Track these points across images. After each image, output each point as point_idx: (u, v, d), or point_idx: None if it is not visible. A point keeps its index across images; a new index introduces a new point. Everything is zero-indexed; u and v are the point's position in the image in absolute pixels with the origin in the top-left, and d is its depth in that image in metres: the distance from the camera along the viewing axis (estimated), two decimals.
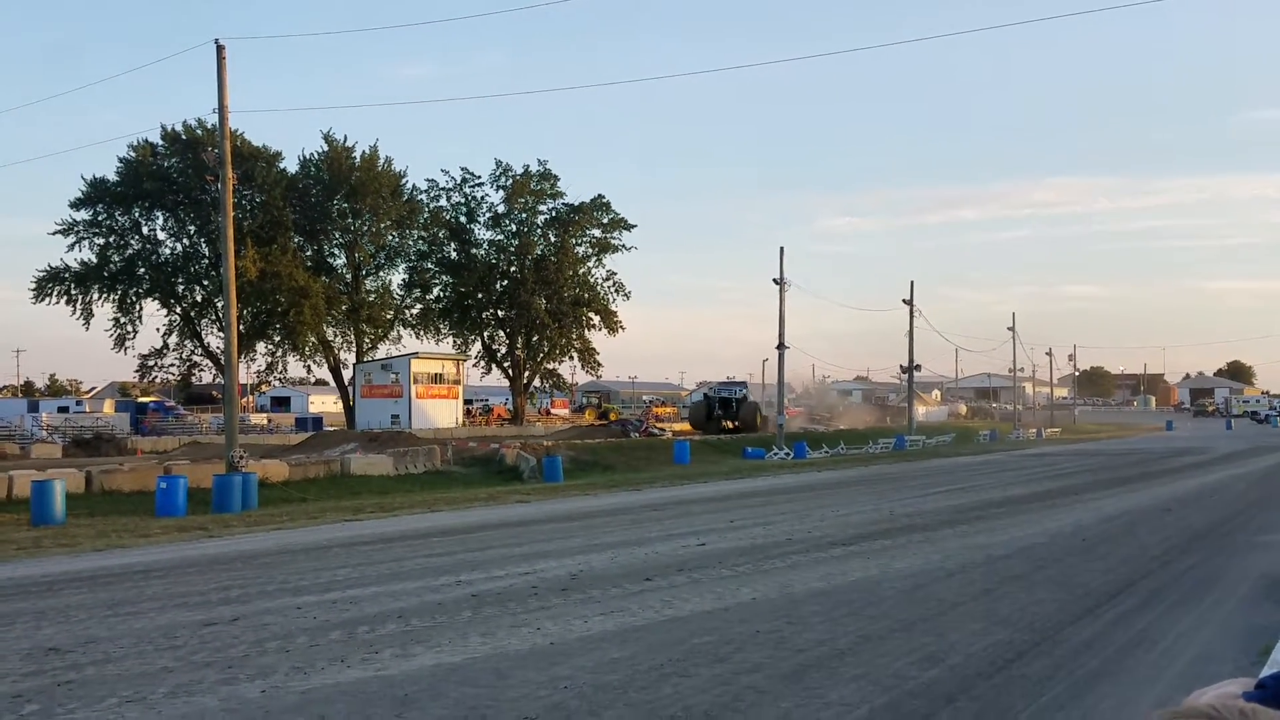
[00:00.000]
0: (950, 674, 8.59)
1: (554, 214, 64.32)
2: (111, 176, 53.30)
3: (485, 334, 65.90)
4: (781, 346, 51.82)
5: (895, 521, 20.09)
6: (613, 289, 65.78)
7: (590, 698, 7.86)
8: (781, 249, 51.42)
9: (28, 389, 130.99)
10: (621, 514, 22.74)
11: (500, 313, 65.04)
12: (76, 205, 53.32)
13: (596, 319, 65.28)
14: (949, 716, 7.57)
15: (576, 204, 63.84)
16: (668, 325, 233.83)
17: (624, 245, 65.43)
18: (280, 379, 64.32)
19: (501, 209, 63.64)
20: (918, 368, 65.98)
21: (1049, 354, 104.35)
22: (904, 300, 64.04)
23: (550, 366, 67.97)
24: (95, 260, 53.55)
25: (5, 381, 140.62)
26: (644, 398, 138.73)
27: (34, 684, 8.23)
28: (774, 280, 50.95)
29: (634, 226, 65.15)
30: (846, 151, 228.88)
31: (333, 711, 7.49)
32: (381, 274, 61.64)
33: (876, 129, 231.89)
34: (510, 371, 65.99)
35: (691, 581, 13.10)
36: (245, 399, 79.59)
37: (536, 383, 69.77)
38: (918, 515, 21.25)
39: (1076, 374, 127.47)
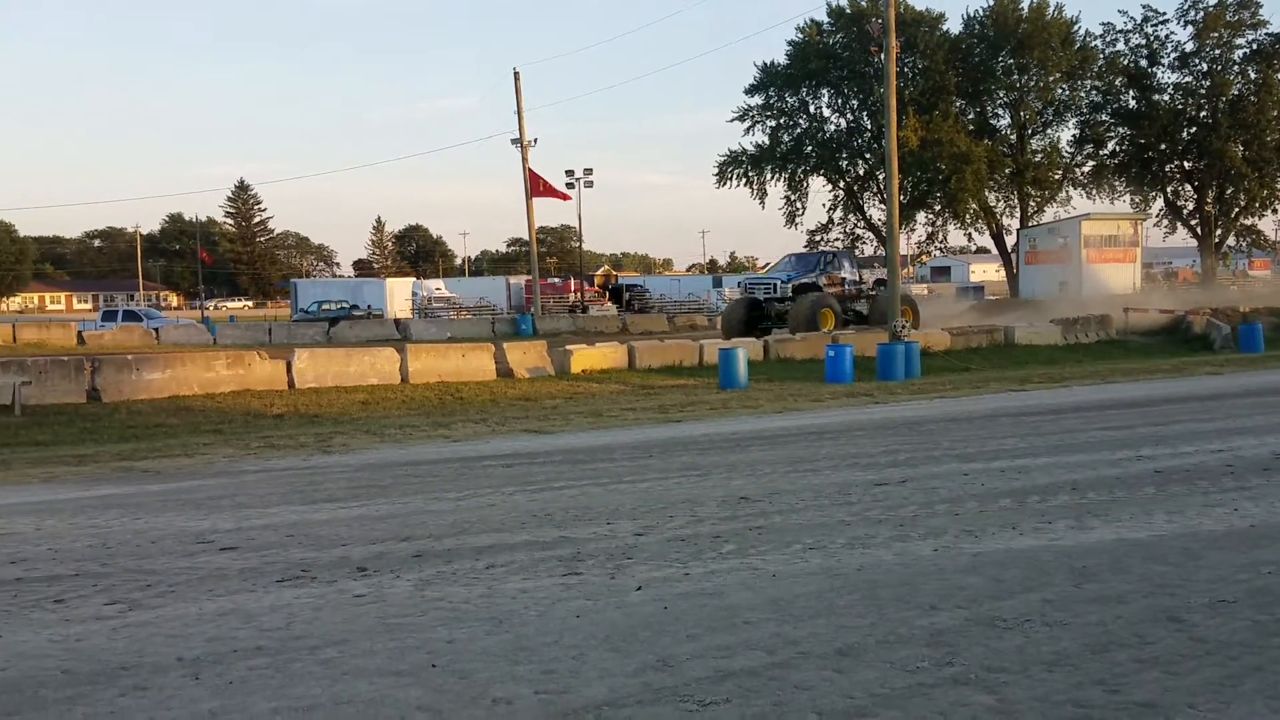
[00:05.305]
0: None
1: (1255, 46, 55.24)
2: (782, 60, 56.61)
3: (1168, 189, 59.41)
4: None
5: None
6: None
7: None
8: None
9: (712, 266, 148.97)
10: None
11: (1186, 164, 58.04)
12: (750, 91, 57.45)
13: None
14: None
15: None
16: None
17: None
18: (940, 248, 64.37)
19: (1190, 47, 56.08)
20: None
21: None
22: None
23: (1248, 222, 59.43)
24: (767, 142, 57.56)
25: (694, 260, 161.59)
26: None
27: (729, 527, 9.10)
28: None
29: None
30: None
31: (1008, 575, 7.26)
32: (1049, 131, 58.12)
33: None
34: (1199, 230, 58.99)
35: None
36: (906, 269, 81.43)
37: (1231, 241, 61.60)
38: None
39: None
